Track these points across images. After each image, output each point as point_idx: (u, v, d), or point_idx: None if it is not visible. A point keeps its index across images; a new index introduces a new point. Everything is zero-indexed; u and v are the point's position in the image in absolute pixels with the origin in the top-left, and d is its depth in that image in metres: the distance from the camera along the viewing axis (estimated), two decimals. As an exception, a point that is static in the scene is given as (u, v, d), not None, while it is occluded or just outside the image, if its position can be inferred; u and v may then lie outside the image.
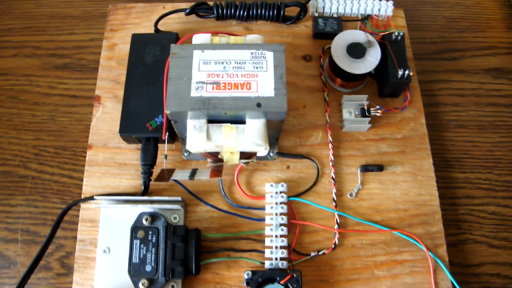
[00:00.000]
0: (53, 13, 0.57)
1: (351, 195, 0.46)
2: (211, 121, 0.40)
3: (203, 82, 0.39)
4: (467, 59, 0.56)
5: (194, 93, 0.39)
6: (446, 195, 0.49)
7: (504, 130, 0.52)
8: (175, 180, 0.44)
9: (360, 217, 0.45)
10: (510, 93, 0.54)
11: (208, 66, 0.40)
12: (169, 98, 0.38)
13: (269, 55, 0.40)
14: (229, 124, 0.40)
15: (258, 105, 0.38)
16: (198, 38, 0.43)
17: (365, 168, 0.46)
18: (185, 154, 0.47)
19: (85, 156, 0.47)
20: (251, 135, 0.39)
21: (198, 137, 0.39)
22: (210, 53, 0.40)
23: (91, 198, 0.45)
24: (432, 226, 0.46)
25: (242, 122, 0.40)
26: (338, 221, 0.45)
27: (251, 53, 0.40)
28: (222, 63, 0.40)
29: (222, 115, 0.39)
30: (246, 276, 0.41)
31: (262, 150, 0.40)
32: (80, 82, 0.54)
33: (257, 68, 0.40)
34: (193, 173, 0.42)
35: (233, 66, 0.40)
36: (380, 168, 0.47)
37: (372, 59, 0.46)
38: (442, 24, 0.58)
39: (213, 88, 0.39)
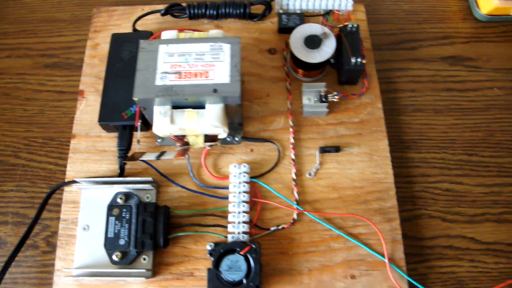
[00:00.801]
0: (44, 17, 0.63)
1: (310, 174, 0.50)
2: (176, 107, 0.45)
3: (166, 72, 0.44)
4: (424, 48, 0.59)
5: (158, 82, 0.43)
6: (402, 174, 0.53)
7: (459, 113, 0.56)
8: (144, 161, 0.48)
9: (318, 192, 0.49)
10: (465, 79, 0.58)
11: (171, 58, 0.45)
12: (136, 87, 0.43)
13: (226, 47, 0.45)
14: (191, 109, 0.44)
15: (215, 90, 0.43)
16: (166, 34, 0.48)
17: (323, 150, 0.50)
18: (158, 140, 0.51)
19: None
20: (210, 118, 0.43)
21: (163, 121, 0.44)
22: (174, 47, 0.45)
23: (73, 181, 0.49)
24: (386, 202, 0.49)
25: (204, 107, 0.44)
26: (298, 199, 0.48)
27: (210, 46, 0.45)
28: (184, 55, 0.45)
29: (183, 101, 0.43)
30: (209, 248, 0.45)
31: (221, 132, 0.45)
32: (67, 79, 0.59)
33: (215, 58, 0.44)
34: (160, 154, 0.47)
35: (193, 58, 0.44)
36: (337, 149, 0.50)
37: (327, 49, 0.50)
38: (401, 17, 0.62)
39: (175, 77, 0.43)
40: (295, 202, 0.48)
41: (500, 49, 0.59)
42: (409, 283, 0.45)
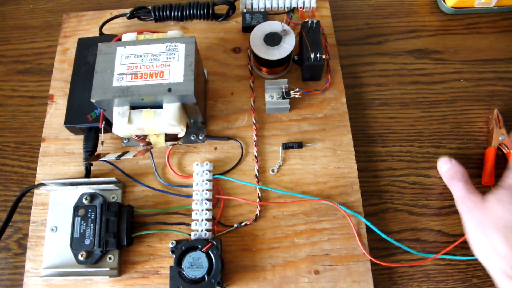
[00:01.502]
0: (17, 24, 0.64)
1: (273, 171, 0.50)
2: (135, 107, 0.45)
3: (123, 74, 0.45)
4: (391, 42, 0.59)
5: (115, 83, 0.44)
6: (368, 168, 0.53)
7: (426, 106, 0.56)
8: (106, 161, 0.49)
9: (281, 189, 0.49)
10: (432, 72, 0.57)
11: (128, 59, 0.45)
12: (94, 88, 0.44)
13: (181, 47, 0.45)
14: (149, 109, 0.45)
15: (169, 90, 0.43)
16: (126, 37, 0.49)
17: (286, 146, 0.51)
18: (125, 141, 0.52)
19: (40, 148, 0.53)
20: (166, 117, 0.44)
21: (121, 121, 0.44)
22: (131, 49, 0.46)
23: (41, 184, 0.50)
24: (350, 196, 0.49)
25: (162, 107, 0.45)
26: (260, 195, 0.49)
27: (166, 46, 0.45)
28: (141, 56, 0.45)
29: (140, 101, 0.44)
30: (171, 245, 0.45)
31: (179, 130, 0.45)
32: (39, 84, 0.60)
33: (170, 58, 0.45)
34: (122, 154, 0.47)
35: (149, 58, 0.45)
36: (299, 145, 0.51)
37: (287, 46, 0.51)
38: (368, 12, 0.62)
39: (131, 78, 0.44)
40: (258, 199, 0.49)
41: (466, 41, 0.59)
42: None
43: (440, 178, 0.52)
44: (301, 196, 0.48)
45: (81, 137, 0.53)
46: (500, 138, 0.51)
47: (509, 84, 0.57)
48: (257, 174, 0.50)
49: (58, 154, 0.53)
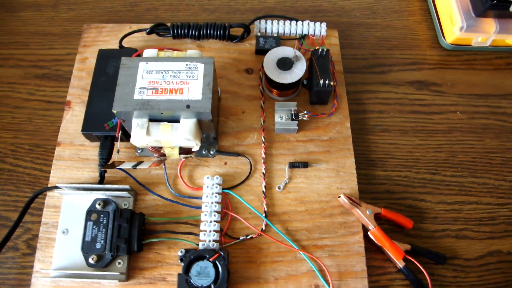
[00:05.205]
0: (37, 30, 0.66)
1: (279, 188, 0.53)
2: (153, 120, 0.48)
3: (144, 88, 0.47)
4: (393, 73, 0.63)
5: (136, 96, 0.47)
6: (368, 190, 0.56)
7: (424, 134, 0.59)
8: (121, 169, 0.51)
9: (286, 206, 0.52)
10: (430, 102, 0.61)
11: (150, 75, 0.48)
12: (116, 100, 0.47)
13: (201, 66, 0.48)
14: (167, 122, 0.47)
15: (187, 106, 0.46)
16: (147, 53, 0.51)
17: (292, 165, 0.53)
18: (138, 151, 0.54)
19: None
20: (183, 132, 0.47)
21: (139, 132, 0.47)
22: (153, 65, 0.49)
23: (55, 187, 0.52)
24: (350, 216, 0.52)
25: (179, 121, 0.48)
26: (266, 210, 0.51)
27: (186, 65, 0.48)
28: (162, 72, 0.48)
29: (159, 114, 0.47)
30: (179, 254, 0.48)
31: (194, 145, 0.48)
32: (55, 90, 0.62)
33: (189, 77, 0.48)
34: (137, 164, 0.50)
35: (170, 75, 0.48)
36: (305, 165, 0.53)
37: (298, 71, 0.54)
38: (373, 43, 0.66)
39: (152, 93, 0.47)
40: (264, 214, 0.51)
41: (463, 76, 0.63)
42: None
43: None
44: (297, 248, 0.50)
45: (96, 144, 0.55)
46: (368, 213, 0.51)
47: (501, 118, 0.61)
48: (264, 190, 0.52)
49: (73, 159, 0.55)
